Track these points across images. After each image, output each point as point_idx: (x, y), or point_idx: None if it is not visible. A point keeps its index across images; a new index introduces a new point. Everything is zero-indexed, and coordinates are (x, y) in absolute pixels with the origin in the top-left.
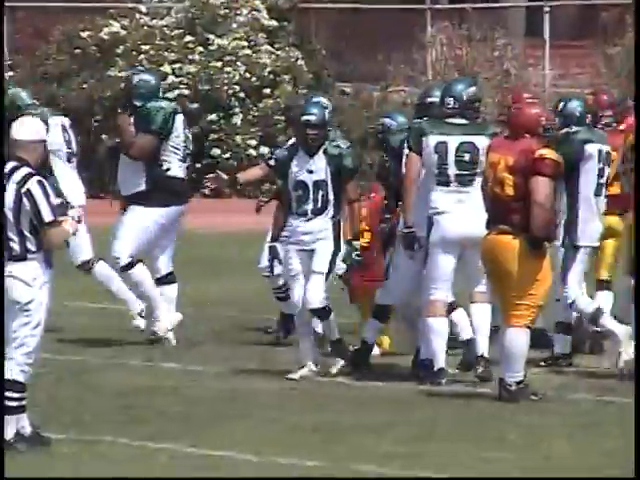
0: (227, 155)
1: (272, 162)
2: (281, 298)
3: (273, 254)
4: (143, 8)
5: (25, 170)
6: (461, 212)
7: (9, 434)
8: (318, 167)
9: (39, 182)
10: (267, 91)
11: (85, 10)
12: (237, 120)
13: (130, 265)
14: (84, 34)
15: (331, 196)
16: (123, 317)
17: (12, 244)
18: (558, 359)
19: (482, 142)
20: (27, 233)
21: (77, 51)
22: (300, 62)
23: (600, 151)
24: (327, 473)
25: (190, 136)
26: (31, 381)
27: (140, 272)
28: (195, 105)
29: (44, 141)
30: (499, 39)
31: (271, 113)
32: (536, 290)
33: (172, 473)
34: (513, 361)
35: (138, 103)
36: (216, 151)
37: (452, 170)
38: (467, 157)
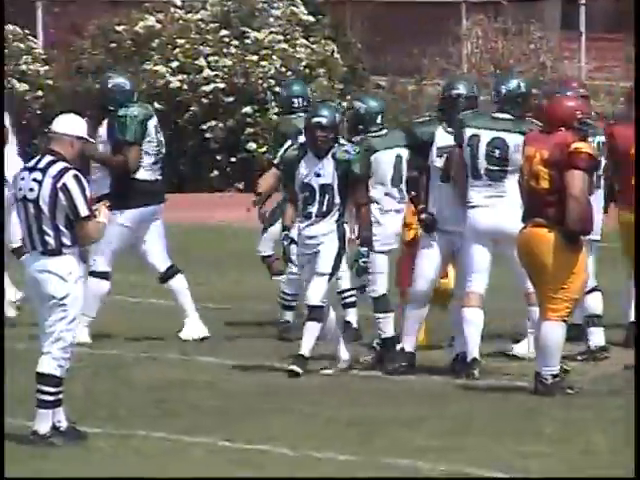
0: (263, 149)
1: (279, 164)
2: (285, 307)
3: (288, 240)
4: (178, 2)
5: (61, 164)
6: (493, 206)
7: (45, 428)
8: (326, 171)
9: (75, 176)
10: None
11: (120, 4)
12: (272, 114)
13: (104, 274)
14: (119, 28)
15: (337, 200)
16: (158, 311)
17: (47, 238)
18: (594, 352)
19: (513, 139)
20: (62, 228)
21: (112, 45)
22: (335, 56)
23: (598, 143)
24: (362, 467)
25: (163, 140)
26: (67, 375)
27: (97, 286)
28: (230, 98)
29: (83, 138)
30: (535, 32)
31: None
32: (572, 283)
33: (207, 467)
34: (549, 355)
35: (112, 108)
36: (252, 145)
37: (482, 164)
38: (497, 153)
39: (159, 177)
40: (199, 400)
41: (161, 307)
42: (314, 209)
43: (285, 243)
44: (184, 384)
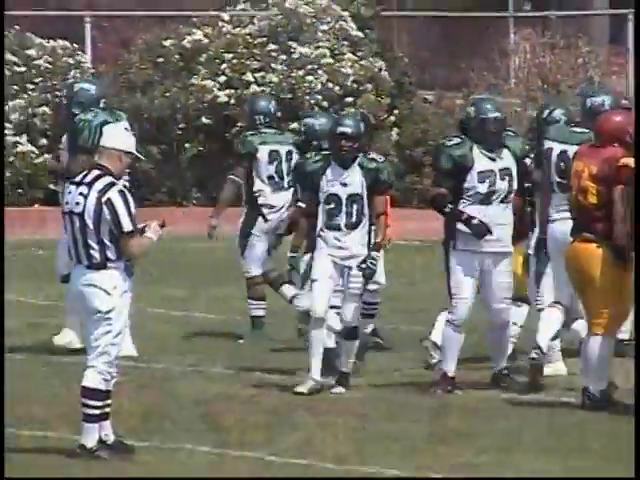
0: None
1: (295, 175)
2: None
3: (292, 265)
4: (226, 16)
5: (107, 179)
6: (564, 220)
7: (92, 442)
8: (353, 180)
9: (120, 192)
10: (349, 100)
11: (168, 18)
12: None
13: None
14: (167, 43)
15: (366, 210)
16: (204, 324)
17: (92, 252)
18: None
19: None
20: (107, 242)
21: (160, 60)
22: (383, 71)
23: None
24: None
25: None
26: (113, 389)
27: None
28: (277, 114)
29: (131, 153)
30: (583, 46)
31: None
32: (619, 299)
33: None
34: (596, 370)
35: (76, 111)
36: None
37: (554, 177)
38: (563, 165)
39: (126, 184)
40: (244, 414)
41: (208, 321)
42: (342, 220)
43: (289, 269)
44: (229, 398)
